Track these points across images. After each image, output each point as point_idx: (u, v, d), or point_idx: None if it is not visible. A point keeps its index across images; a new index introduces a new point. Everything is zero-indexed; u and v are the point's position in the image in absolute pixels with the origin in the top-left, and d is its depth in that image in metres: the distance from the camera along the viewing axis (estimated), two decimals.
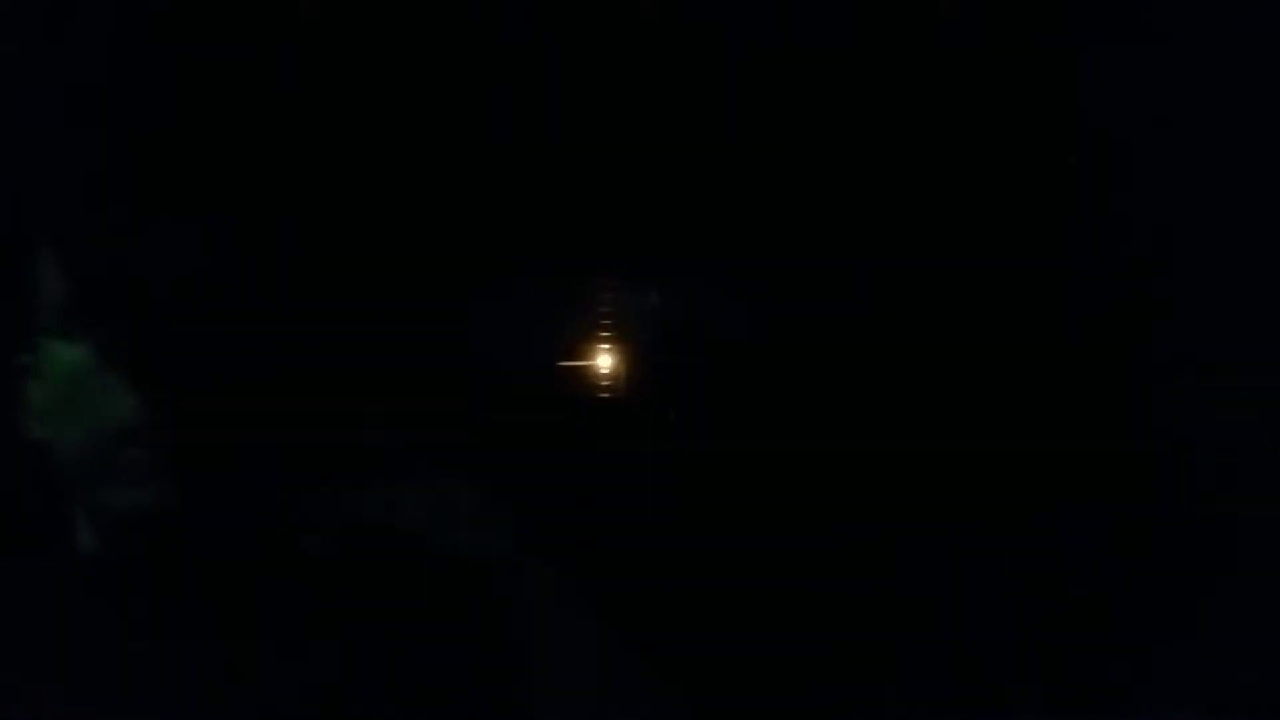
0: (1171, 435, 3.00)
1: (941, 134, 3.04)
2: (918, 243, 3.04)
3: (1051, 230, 3.05)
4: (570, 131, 3.04)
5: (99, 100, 2.82)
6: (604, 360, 3.03)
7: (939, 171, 3.04)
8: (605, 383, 3.03)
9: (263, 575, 2.14)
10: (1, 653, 1.92)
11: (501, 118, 3.03)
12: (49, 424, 1.94)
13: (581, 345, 3.03)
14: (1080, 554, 3.00)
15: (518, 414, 2.98)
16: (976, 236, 3.03)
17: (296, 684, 2.02)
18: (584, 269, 3.05)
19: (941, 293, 3.03)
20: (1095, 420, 3.00)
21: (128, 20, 2.86)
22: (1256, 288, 2.99)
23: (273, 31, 2.93)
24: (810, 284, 3.05)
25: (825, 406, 3.03)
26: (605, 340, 3.04)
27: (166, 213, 2.67)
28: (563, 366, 3.01)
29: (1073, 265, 3.06)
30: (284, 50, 2.93)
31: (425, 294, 3.01)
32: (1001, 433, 2.97)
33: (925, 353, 3.02)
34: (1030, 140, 3.06)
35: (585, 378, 3.02)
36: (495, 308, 3.01)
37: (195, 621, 1.95)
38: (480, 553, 2.58)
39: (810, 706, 2.84)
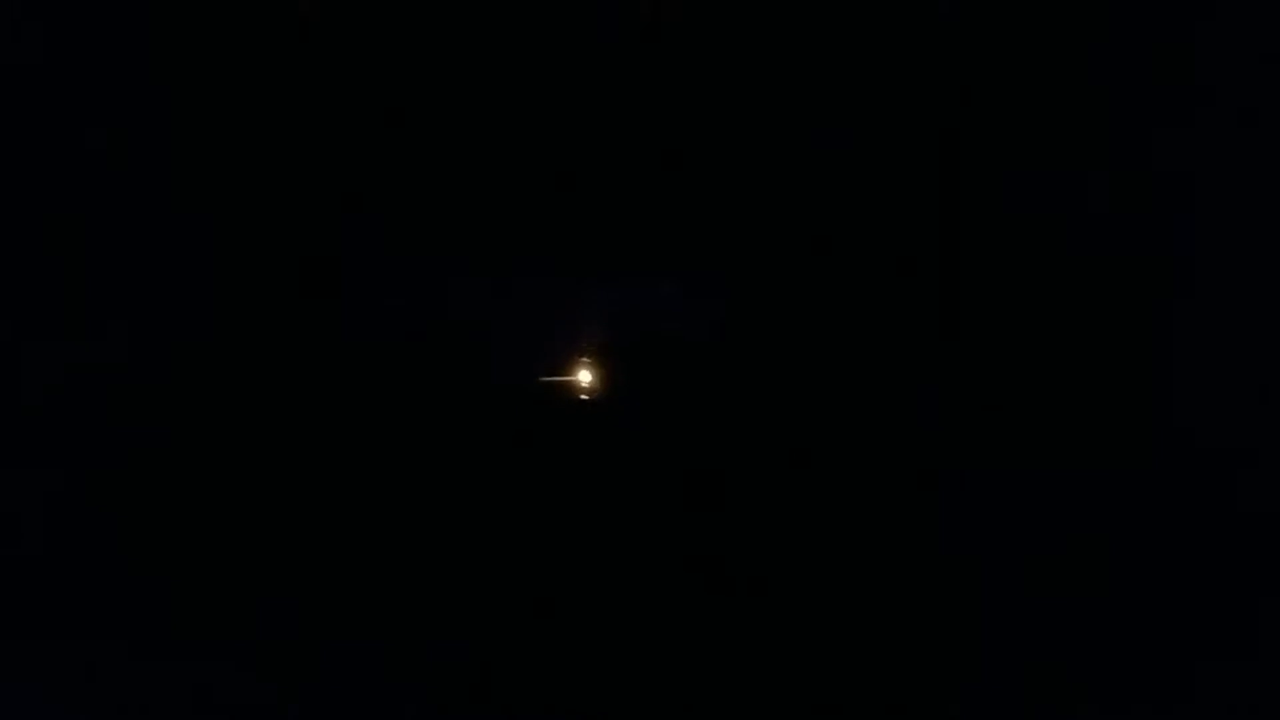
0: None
1: (938, 134, 3.04)
2: (903, 246, 3.04)
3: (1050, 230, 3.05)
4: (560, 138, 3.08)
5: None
6: (584, 373, 3.06)
7: (931, 173, 3.04)
8: (585, 393, 3.05)
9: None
10: None
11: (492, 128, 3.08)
12: None
13: (564, 358, 3.06)
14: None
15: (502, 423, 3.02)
16: (962, 237, 3.03)
17: None
18: (568, 277, 3.07)
19: (930, 294, 3.02)
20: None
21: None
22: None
23: (268, 30, 2.97)
24: (792, 288, 3.07)
25: (803, 410, 3.05)
26: (586, 352, 3.06)
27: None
28: (544, 380, 3.04)
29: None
30: (280, 50, 2.97)
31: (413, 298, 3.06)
32: (995, 434, 2.97)
33: (911, 356, 3.01)
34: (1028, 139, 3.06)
35: (567, 389, 3.04)
36: (479, 317, 3.04)
37: None
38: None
39: (808, 705, 2.84)
